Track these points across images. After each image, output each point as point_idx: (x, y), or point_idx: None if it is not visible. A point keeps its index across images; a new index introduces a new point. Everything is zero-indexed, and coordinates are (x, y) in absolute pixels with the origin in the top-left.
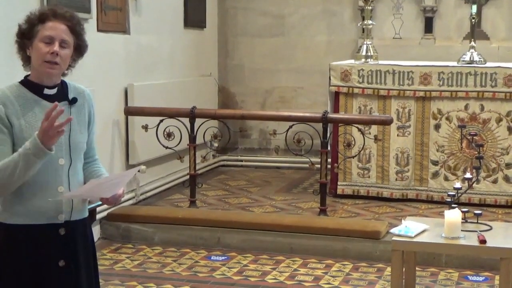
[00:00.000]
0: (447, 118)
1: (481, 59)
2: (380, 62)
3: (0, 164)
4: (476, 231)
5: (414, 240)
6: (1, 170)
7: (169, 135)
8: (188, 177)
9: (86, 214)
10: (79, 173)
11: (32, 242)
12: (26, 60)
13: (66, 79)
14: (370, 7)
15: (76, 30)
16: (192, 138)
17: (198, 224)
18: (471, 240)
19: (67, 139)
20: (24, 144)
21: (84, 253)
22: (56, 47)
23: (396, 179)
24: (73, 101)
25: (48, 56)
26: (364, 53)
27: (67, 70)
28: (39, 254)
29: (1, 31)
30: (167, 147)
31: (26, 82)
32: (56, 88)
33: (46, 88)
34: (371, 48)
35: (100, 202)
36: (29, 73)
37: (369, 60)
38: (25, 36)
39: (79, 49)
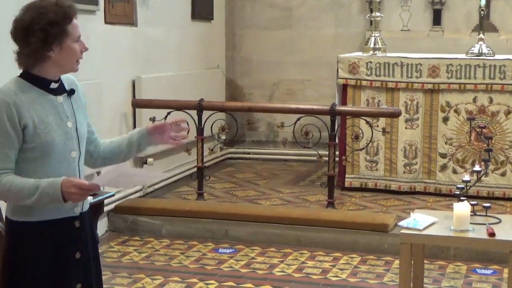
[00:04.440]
0: (455, 111)
1: (490, 51)
2: (388, 54)
3: (15, 183)
4: (485, 224)
5: (423, 233)
6: (13, 191)
7: None
8: (195, 169)
9: (89, 205)
10: (83, 164)
11: (51, 237)
12: (39, 60)
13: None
14: None
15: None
16: (200, 130)
17: (206, 216)
18: (480, 233)
19: (75, 131)
20: (46, 183)
21: (92, 244)
22: (86, 45)
23: (404, 172)
24: (72, 92)
25: (80, 55)
26: (372, 45)
27: None
28: (58, 248)
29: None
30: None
31: (30, 77)
32: (58, 82)
33: (53, 82)
34: (379, 41)
35: (107, 195)
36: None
37: (377, 52)
38: (55, 38)
39: None
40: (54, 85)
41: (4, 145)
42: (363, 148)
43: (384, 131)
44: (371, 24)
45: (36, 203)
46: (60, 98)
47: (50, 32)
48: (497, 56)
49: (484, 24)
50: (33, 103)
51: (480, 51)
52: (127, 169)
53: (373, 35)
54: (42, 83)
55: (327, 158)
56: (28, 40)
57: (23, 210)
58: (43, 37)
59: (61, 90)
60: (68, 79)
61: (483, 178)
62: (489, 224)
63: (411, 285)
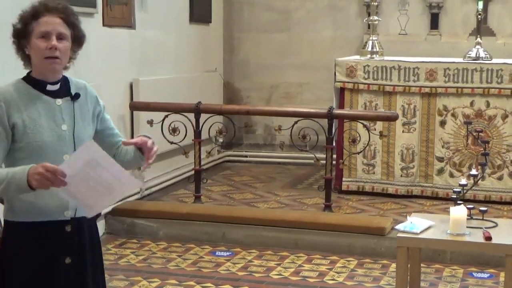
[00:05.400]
0: (452, 115)
1: (487, 55)
2: (386, 58)
3: None
4: (481, 228)
5: (419, 236)
6: None
7: (174, 130)
8: (193, 172)
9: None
10: None
11: (39, 240)
12: (26, 59)
13: (69, 72)
14: (376, 3)
15: (71, 21)
16: (197, 133)
17: (203, 219)
18: (477, 237)
19: (71, 134)
20: (17, 169)
21: (90, 250)
22: (54, 41)
23: (401, 176)
24: (76, 96)
25: (47, 52)
26: (369, 49)
27: (68, 63)
28: (45, 252)
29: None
30: (172, 142)
31: (28, 79)
32: (59, 84)
33: (49, 84)
34: (376, 44)
35: None
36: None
37: (374, 56)
38: (21, 36)
39: (78, 40)
40: (51, 87)
41: None
42: (360, 152)
43: (381, 134)
44: (368, 28)
45: (5, 192)
46: (59, 101)
47: (16, 29)
48: (494, 60)
49: (482, 28)
50: (27, 104)
51: (478, 55)
52: (97, 157)
53: (370, 38)
54: (38, 85)
55: (324, 162)
56: (13, 41)
57: (12, 209)
58: (13, 35)
59: (63, 92)
60: (78, 83)
61: (480, 182)
62: (485, 228)
63: None
